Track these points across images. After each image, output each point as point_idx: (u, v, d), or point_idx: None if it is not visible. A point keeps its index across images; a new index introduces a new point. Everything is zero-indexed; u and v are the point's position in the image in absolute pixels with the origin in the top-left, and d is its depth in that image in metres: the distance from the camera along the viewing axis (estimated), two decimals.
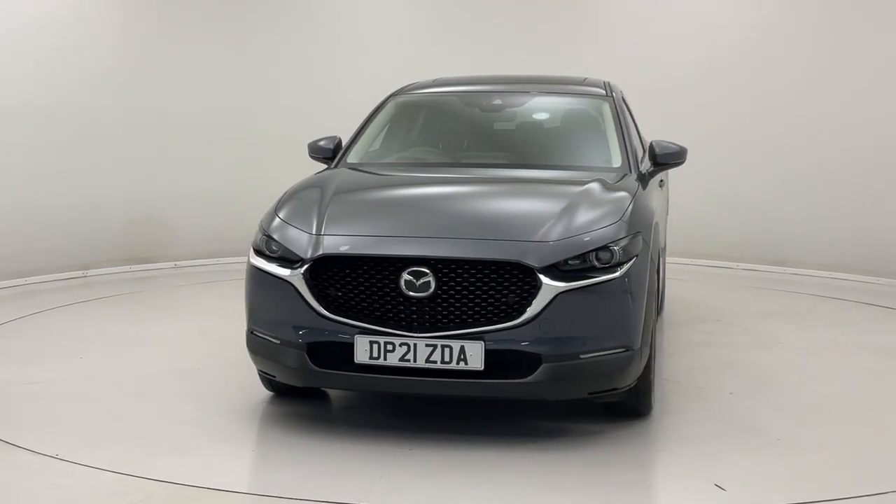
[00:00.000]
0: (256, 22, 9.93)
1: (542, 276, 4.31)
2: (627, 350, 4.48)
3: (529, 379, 4.34)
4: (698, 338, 6.78)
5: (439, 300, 4.37)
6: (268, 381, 5.04)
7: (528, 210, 4.86)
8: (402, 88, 6.44)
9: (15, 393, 5.30)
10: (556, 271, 4.35)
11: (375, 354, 4.40)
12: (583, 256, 4.42)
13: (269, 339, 4.66)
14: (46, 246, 8.58)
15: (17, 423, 4.79)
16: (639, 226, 4.71)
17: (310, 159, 6.08)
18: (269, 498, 3.93)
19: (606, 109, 5.96)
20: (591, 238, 4.49)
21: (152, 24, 9.35)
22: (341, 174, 5.56)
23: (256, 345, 4.76)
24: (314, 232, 4.64)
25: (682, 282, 8.80)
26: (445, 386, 4.41)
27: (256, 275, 4.72)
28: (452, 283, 4.35)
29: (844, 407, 5.24)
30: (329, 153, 5.92)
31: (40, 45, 8.43)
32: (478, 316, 4.35)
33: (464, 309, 4.36)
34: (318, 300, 4.48)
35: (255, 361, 4.82)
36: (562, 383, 4.40)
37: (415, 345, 4.35)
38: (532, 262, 4.33)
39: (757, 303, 8.18)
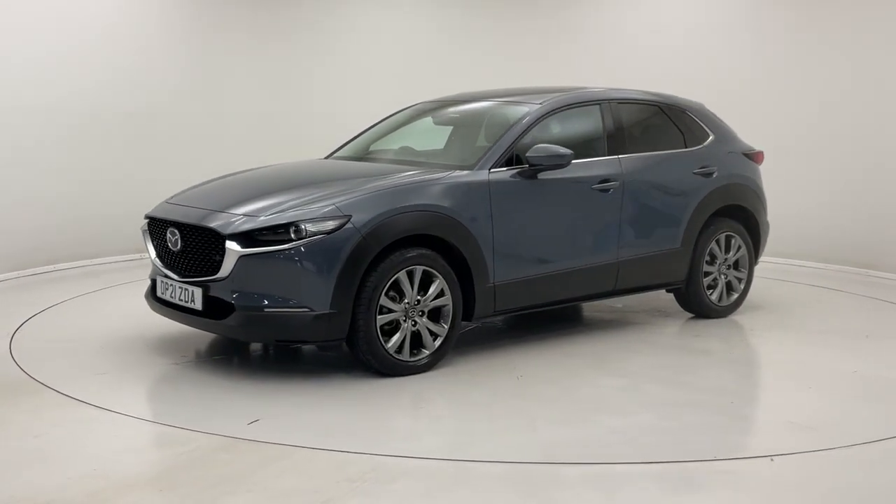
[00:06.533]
0: (298, 39, 11.00)
1: (227, 242, 5.53)
2: (310, 311, 5.48)
3: (225, 321, 5.57)
4: (669, 340, 6.81)
5: (184, 254, 5.85)
6: None
7: (274, 191, 5.88)
8: (417, 102, 7.63)
9: (80, 360, 6.03)
10: (245, 239, 5.46)
11: (162, 291, 6.02)
12: (275, 229, 5.47)
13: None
14: (110, 231, 9.64)
15: (80, 381, 5.54)
16: (356, 211, 5.54)
17: None
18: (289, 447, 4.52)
19: (515, 118, 6.54)
20: (286, 215, 5.51)
21: (202, 41, 10.47)
22: (293, 162, 7.11)
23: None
24: (167, 199, 6.39)
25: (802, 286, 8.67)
26: (188, 320, 5.84)
27: None
28: (188, 242, 5.80)
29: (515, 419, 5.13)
30: None
31: (108, 59, 9.61)
32: (202, 269, 5.73)
33: (195, 262, 5.78)
34: (154, 249, 6.22)
35: None
36: (250, 328, 5.55)
37: (175, 286, 5.88)
38: (222, 230, 5.55)
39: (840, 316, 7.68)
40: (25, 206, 9.08)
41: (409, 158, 6.77)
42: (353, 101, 10.98)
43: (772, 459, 4.49)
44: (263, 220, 5.55)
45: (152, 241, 6.16)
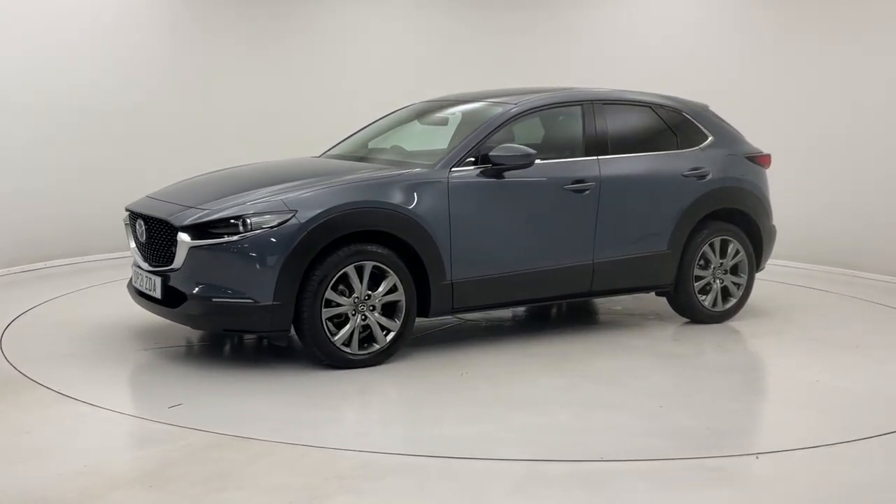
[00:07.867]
0: (293, 37, 11.00)
1: (179, 234, 5.79)
2: (255, 302, 5.68)
3: (178, 310, 5.84)
4: (644, 343, 6.73)
5: (149, 245, 6.14)
6: None
7: (244, 188, 6.05)
8: (412, 103, 7.74)
9: (71, 357, 6.10)
10: (196, 231, 5.71)
11: (135, 280, 6.35)
12: (224, 222, 5.71)
13: None
14: (100, 228, 9.46)
15: (71, 377, 5.62)
16: (303, 206, 5.72)
17: None
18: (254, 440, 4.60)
19: (486, 117, 6.60)
20: (233, 209, 5.74)
21: (194, 37, 10.48)
22: (278, 160, 7.34)
23: None
24: (148, 194, 6.70)
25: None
26: (153, 308, 6.13)
27: None
28: (151, 234, 6.09)
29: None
30: None
31: (99, 56, 9.63)
32: (162, 259, 6.01)
33: (156, 252, 6.06)
34: (133, 240, 6.54)
35: None
36: (200, 317, 5.80)
37: (144, 275, 6.19)
38: (175, 222, 5.83)
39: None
40: (15, 203, 9.11)
41: (393, 158, 6.86)
42: (350, 99, 10.99)
43: (756, 457, 4.49)
44: (209, 214, 5.79)
45: (132, 233, 6.47)
